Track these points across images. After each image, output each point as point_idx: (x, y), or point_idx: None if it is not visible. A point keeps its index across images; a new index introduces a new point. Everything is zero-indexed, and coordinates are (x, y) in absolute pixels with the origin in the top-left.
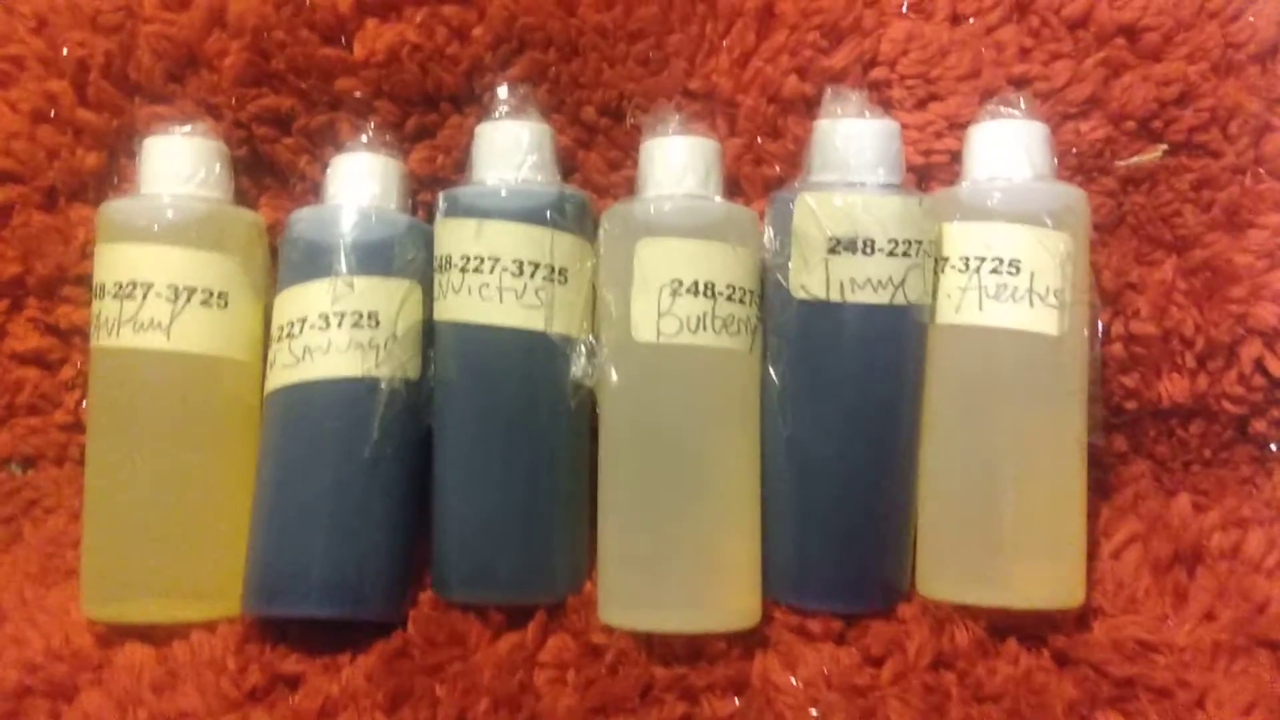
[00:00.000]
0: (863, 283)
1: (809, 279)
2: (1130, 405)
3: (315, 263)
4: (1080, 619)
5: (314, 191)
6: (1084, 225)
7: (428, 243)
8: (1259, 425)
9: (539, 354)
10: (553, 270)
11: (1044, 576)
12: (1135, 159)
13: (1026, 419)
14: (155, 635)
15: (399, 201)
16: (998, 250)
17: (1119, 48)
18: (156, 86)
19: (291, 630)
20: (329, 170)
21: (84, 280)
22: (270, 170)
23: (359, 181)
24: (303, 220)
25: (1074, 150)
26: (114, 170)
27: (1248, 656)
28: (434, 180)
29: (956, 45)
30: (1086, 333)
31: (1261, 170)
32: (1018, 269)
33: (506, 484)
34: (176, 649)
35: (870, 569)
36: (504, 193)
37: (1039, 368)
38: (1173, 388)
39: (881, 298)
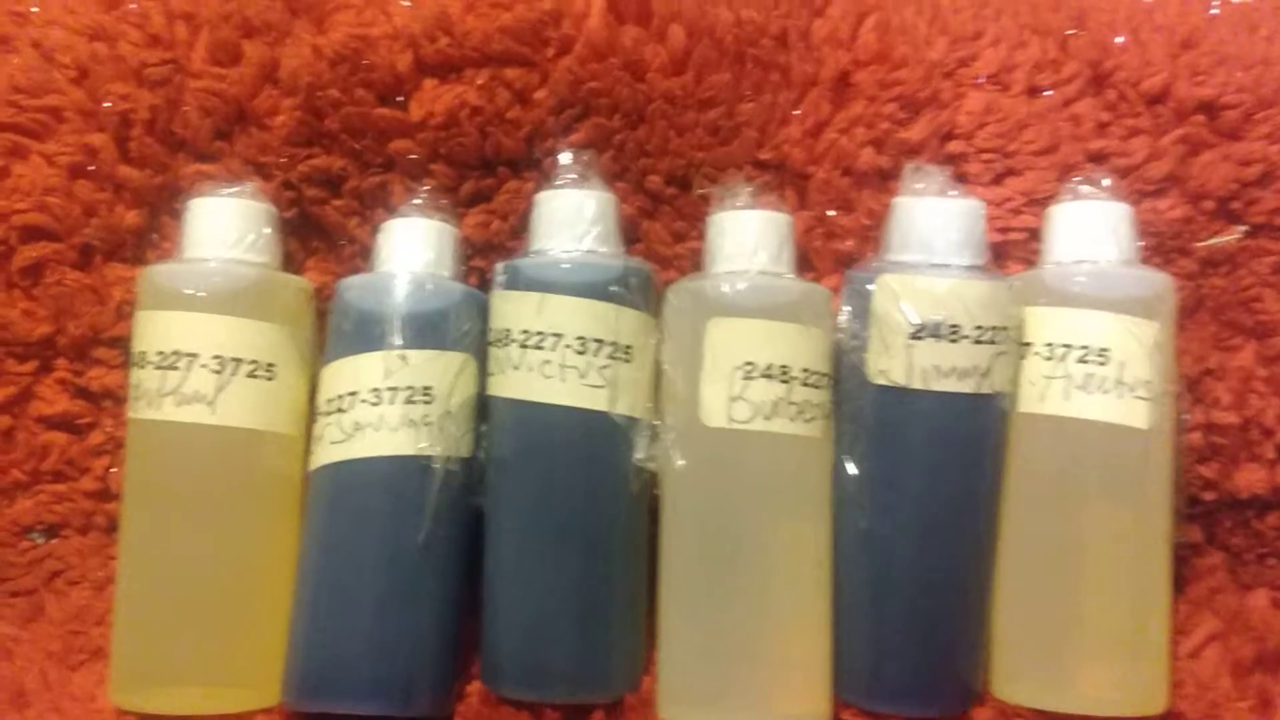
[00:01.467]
0: (947, 370)
1: (890, 364)
2: (1208, 496)
3: (367, 333)
4: None
5: (362, 255)
6: (1171, 313)
7: (482, 312)
8: None
9: (600, 435)
10: (617, 347)
11: (1125, 681)
12: (1214, 240)
13: (1112, 513)
14: None
15: (453, 268)
16: (1086, 338)
17: (1198, 124)
18: (203, 144)
19: None
20: (380, 234)
21: (118, 342)
22: (318, 232)
23: (412, 247)
24: (354, 288)
25: (1152, 229)
26: (154, 229)
27: None
28: (488, 246)
29: (1034, 119)
30: (1171, 425)
31: None
32: (1106, 358)
33: (563, 572)
34: None
35: (946, 670)
36: (567, 265)
37: (1126, 462)
38: (1251, 478)
39: (966, 386)
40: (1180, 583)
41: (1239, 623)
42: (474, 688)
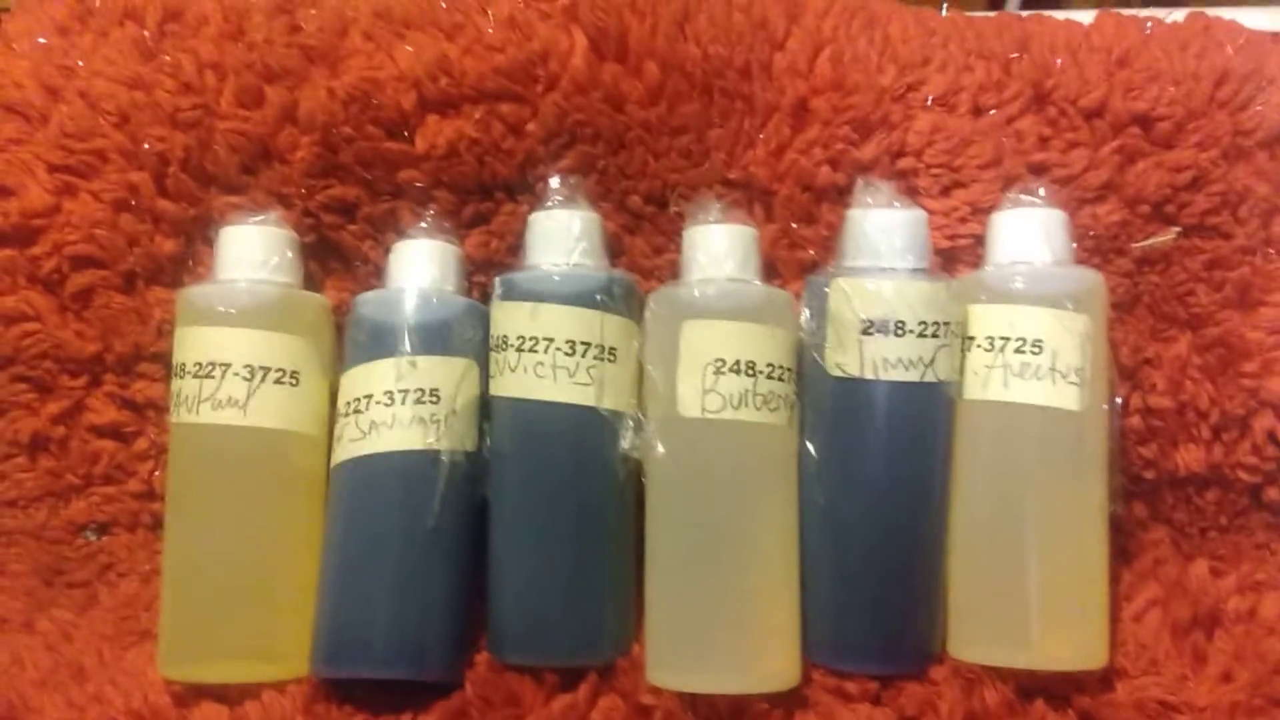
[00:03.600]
0: (894, 362)
1: (844, 358)
2: (1149, 474)
3: (380, 343)
4: (1104, 680)
5: (376, 274)
6: (1102, 306)
7: (484, 322)
8: (1272, 493)
9: (589, 428)
10: (603, 349)
11: (1069, 640)
12: (1150, 241)
13: (1051, 489)
14: (229, 695)
15: (456, 284)
16: (1021, 331)
17: (1133, 136)
18: (231, 178)
19: (357, 691)
20: (391, 255)
21: (159, 358)
22: (336, 254)
23: (420, 265)
24: (368, 303)
25: (1091, 233)
26: (190, 255)
27: (1265, 716)
28: (488, 263)
29: (979, 135)
30: (1106, 407)
31: (1271, 250)
32: (1040, 348)
33: (558, 551)
34: (249, 708)
35: (904, 632)
36: (557, 278)
37: (1061, 441)
38: (1189, 458)
39: (912, 375)
40: (1127, 556)
41: (1179, 589)
42: (482, 658)
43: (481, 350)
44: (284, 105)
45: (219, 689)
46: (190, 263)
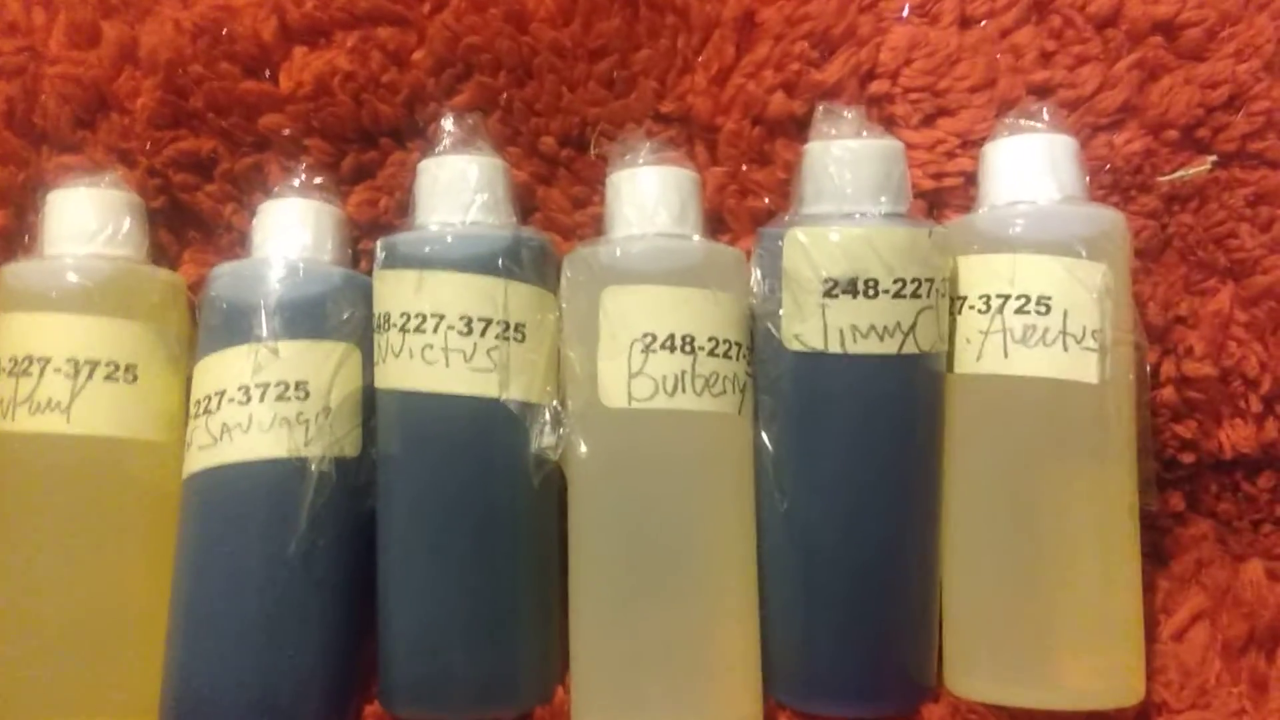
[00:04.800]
0: (866, 330)
1: (804, 328)
2: (1187, 458)
3: (235, 326)
4: (1140, 717)
5: (243, 244)
6: (1124, 253)
7: (368, 299)
8: None
9: (494, 425)
10: (507, 326)
11: (1095, 669)
12: (1180, 173)
13: (1067, 482)
14: None
15: (335, 252)
16: (1024, 286)
17: (1155, 47)
18: (65, 134)
19: None
20: (255, 220)
21: None
22: (194, 222)
23: (288, 231)
24: (222, 277)
25: (1108, 167)
26: (23, 229)
27: None
28: (376, 227)
29: (967, 52)
30: (1133, 378)
31: None
32: (1048, 307)
33: (461, 578)
34: None
35: (888, 664)
36: (449, 238)
37: (1078, 422)
38: (1236, 436)
39: (888, 347)
40: (1163, 556)
41: (1229, 598)
42: (371, 710)
43: (365, 333)
44: (122, 43)
45: None
46: (25, 238)
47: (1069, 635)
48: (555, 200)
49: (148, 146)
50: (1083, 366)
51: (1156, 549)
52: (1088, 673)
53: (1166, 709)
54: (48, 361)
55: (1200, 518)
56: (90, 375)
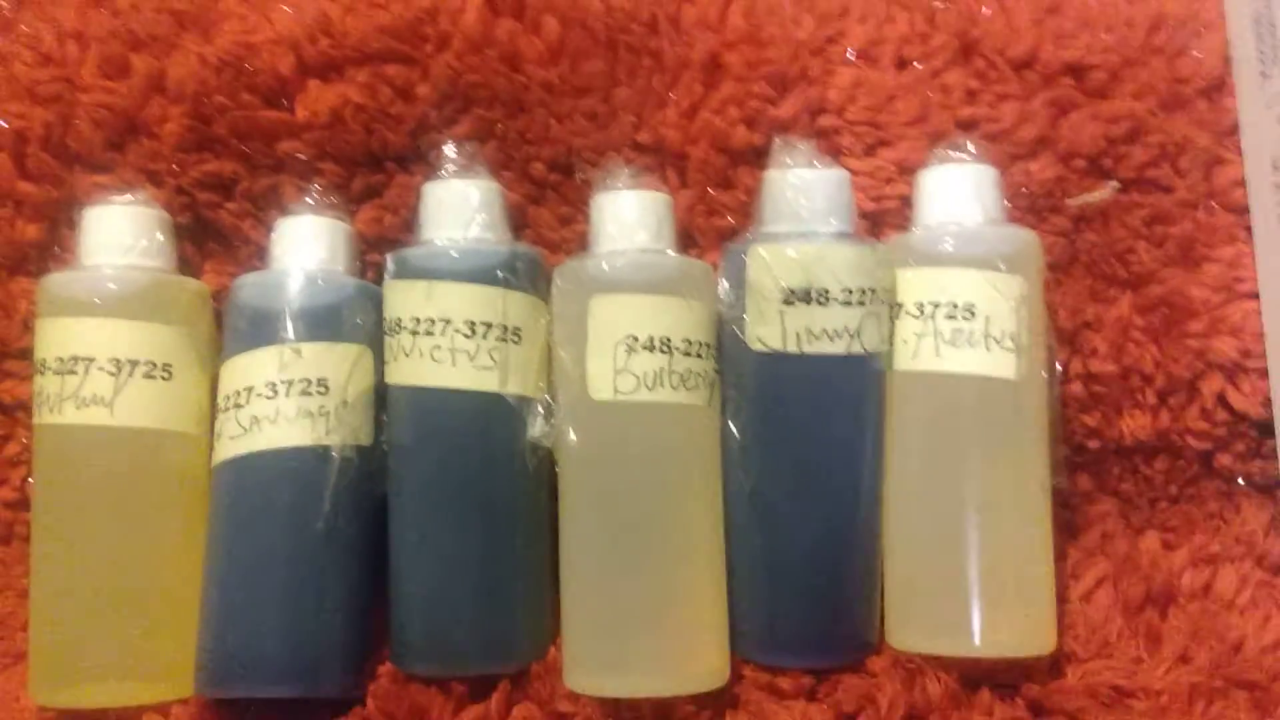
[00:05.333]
0: (819, 333)
1: (765, 331)
2: (1093, 444)
3: (261, 330)
4: (1053, 665)
5: (260, 256)
6: (1037, 267)
7: (377, 305)
8: (1224, 460)
9: (494, 416)
10: (506, 330)
11: (1014, 624)
12: (1086, 197)
13: (988, 464)
14: None
15: (346, 264)
16: (952, 295)
17: (1066, 87)
18: (96, 156)
19: (247, 711)
20: (274, 235)
21: (28, 354)
22: (215, 236)
23: (304, 245)
24: (247, 286)
25: (1025, 190)
26: (55, 241)
27: (1225, 699)
28: (382, 241)
29: (903, 91)
30: (1045, 374)
31: (1214, 204)
32: (973, 314)
33: (464, 550)
34: None
35: (839, 623)
36: (454, 253)
37: (998, 412)
38: (1135, 425)
39: (838, 347)
40: (1073, 530)
41: (1129, 564)
42: (385, 669)
43: (375, 336)
44: (151, 74)
45: (95, 714)
46: (56, 249)
47: (991, 595)
48: (544, 219)
49: (174, 168)
50: (1003, 365)
51: (1068, 524)
52: (1007, 627)
53: (1075, 658)
54: (92, 361)
55: (1105, 496)
56: (131, 373)
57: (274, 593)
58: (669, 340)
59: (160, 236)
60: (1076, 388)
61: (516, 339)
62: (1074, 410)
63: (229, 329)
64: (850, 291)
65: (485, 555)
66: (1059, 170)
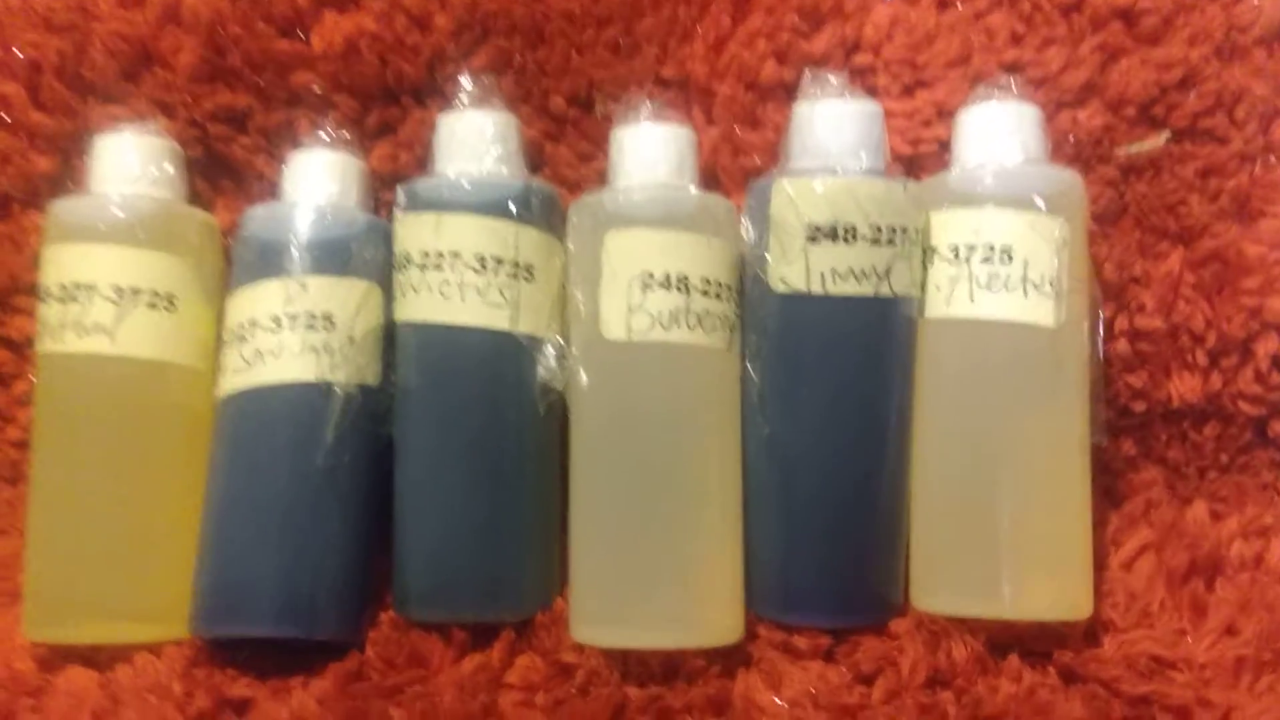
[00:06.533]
0: (845, 273)
1: (788, 270)
2: (1138, 406)
3: (267, 263)
4: (1089, 633)
5: (272, 193)
6: (1080, 210)
7: (388, 243)
8: (1278, 427)
9: (504, 355)
10: (517, 266)
11: (1047, 587)
12: (1137, 146)
13: (1024, 417)
14: (99, 658)
15: (359, 200)
16: (988, 237)
17: (1116, 32)
18: (110, 86)
19: (242, 652)
20: (286, 169)
21: (36, 289)
22: (227, 171)
23: (316, 179)
24: (256, 218)
25: (1071, 138)
26: (68, 175)
27: (1273, 672)
28: (396, 178)
29: (944, 30)
30: (1087, 326)
31: (1271, 157)
32: (1010, 256)
33: (471, 495)
34: (120, 673)
35: (860, 580)
36: (465, 184)
37: (1036, 362)
38: (1183, 387)
39: (865, 289)
40: (1115, 498)
41: (1174, 533)
42: (387, 615)
43: (386, 274)
44: (166, 4)
45: (88, 651)
46: (69, 183)
47: (1023, 555)
48: (563, 156)
49: (188, 99)
50: (1040, 311)
51: (1110, 491)
52: (1039, 589)
53: (1113, 627)
54: (94, 288)
55: (1150, 464)
56: (134, 302)
57: (272, 531)
58: (686, 278)
59: (170, 167)
60: (1122, 346)
61: (529, 276)
62: (1119, 370)
63: (236, 261)
64: (879, 230)
65: (492, 500)
66: (1108, 118)
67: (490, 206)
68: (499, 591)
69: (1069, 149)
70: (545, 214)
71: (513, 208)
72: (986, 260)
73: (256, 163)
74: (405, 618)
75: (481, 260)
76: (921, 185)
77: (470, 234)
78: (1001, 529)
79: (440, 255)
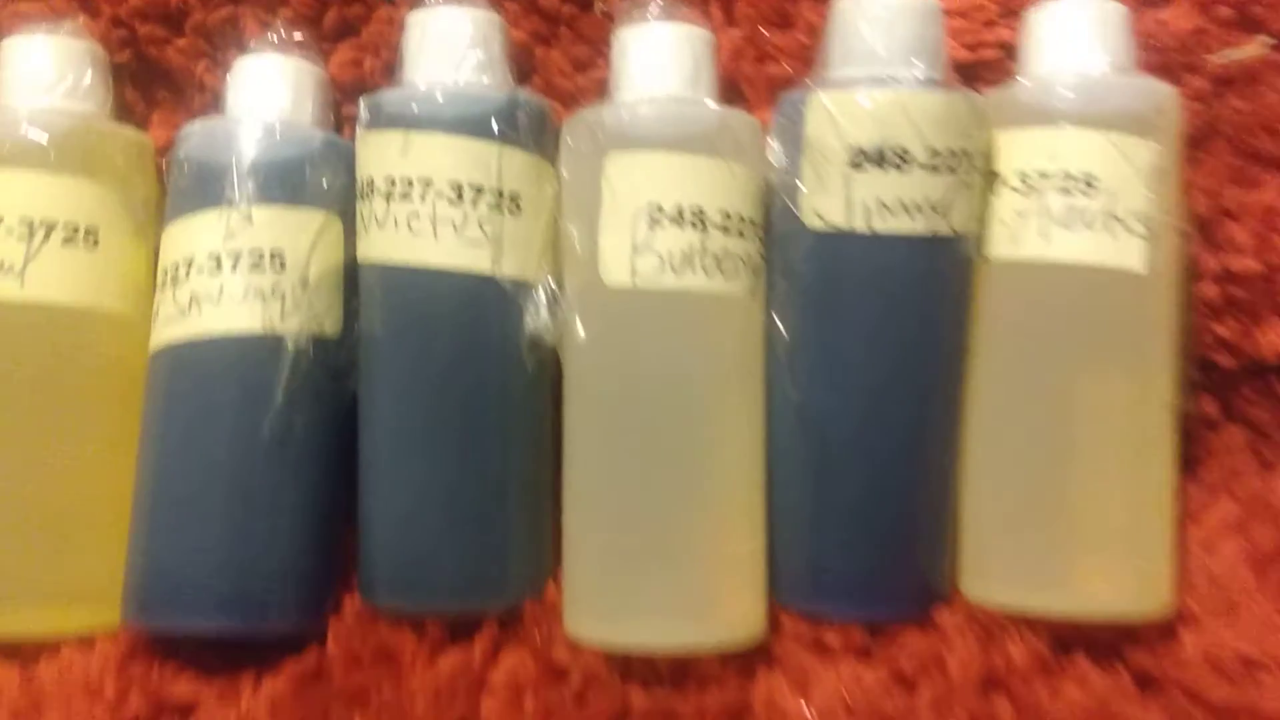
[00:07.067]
0: (894, 206)
1: (825, 203)
2: (1223, 360)
3: (207, 190)
4: (1167, 630)
5: (217, 106)
6: (1174, 131)
7: (351, 166)
8: None
9: (485, 303)
10: (501, 196)
11: (1122, 577)
12: (1232, 53)
13: (1101, 378)
14: (21, 652)
15: (316, 114)
16: (1067, 163)
17: None
18: None
19: (185, 646)
20: (229, 78)
21: None
22: (164, 80)
23: (265, 90)
24: (193, 136)
25: (1155, 44)
26: None
27: None
28: (361, 90)
29: None
30: (1178, 271)
31: None
32: (1093, 187)
33: (448, 465)
34: (44, 670)
35: (901, 566)
36: (439, 96)
37: (1119, 314)
38: (1277, 339)
39: (918, 225)
40: (1191, 463)
41: (1260, 507)
42: (351, 603)
43: (348, 203)
44: None
45: (10, 645)
46: None
47: (1095, 540)
48: (555, 62)
49: None
50: (1129, 253)
51: (1185, 456)
52: (1112, 579)
53: (1193, 621)
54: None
55: (1233, 424)
56: (46, 237)
57: (213, 508)
58: (702, 212)
59: (90, 74)
60: (1209, 289)
61: (514, 209)
62: (1203, 317)
63: (172, 189)
64: (938, 154)
65: (472, 472)
66: (1198, 20)
67: (468, 124)
68: (480, 577)
69: (1153, 57)
70: (534, 132)
71: (495, 125)
72: (1064, 191)
73: (196, 70)
74: (372, 606)
75: (458, 189)
76: (986, 100)
77: (444, 156)
78: (1070, 508)
79: (409, 182)
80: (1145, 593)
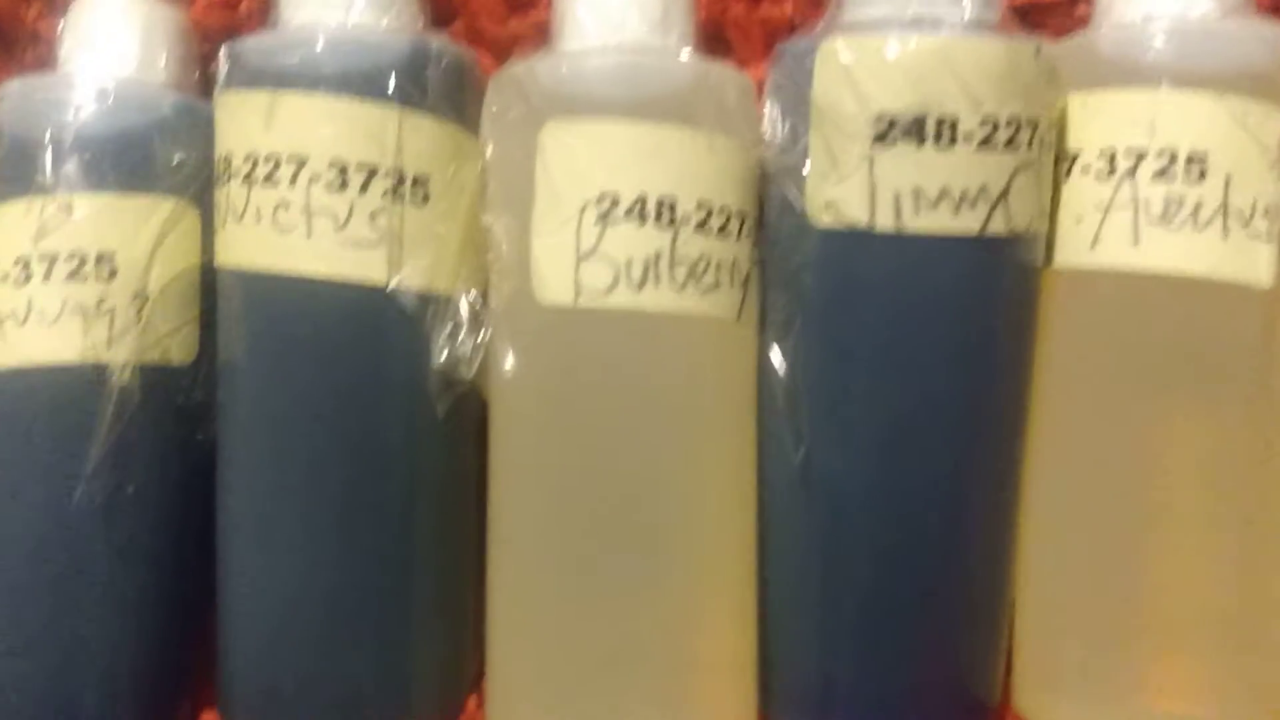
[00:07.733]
0: (935, 196)
1: (841, 191)
2: None
3: (18, 172)
4: None
5: (53, 61)
6: None
7: (213, 138)
8: None
9: (379, 325)
10: (401, 180)
11: (1229, 685)
12: None
13: (1209, 428)
14: None
15: (171, 72)
16: (1167, 138)
17: None
18: None
19: None
20: (63, 24)
21: None
22: None
23: (105, 39)
24: (7, 101)
25: None
26: None
27: None
28: (232, 38)
29: None
30: None
31: None
32: (1203, 171)
33: (329, 544)
34: None
35: (935, 675)
36: (318, 45)
37: (1235, 342)
38: None
39: (967, 223)
40: None
41: None
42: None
43: (206, 187)
44: None
45: None
46: None
47: (1195, 637)
48: (482, 2)
49: None
50: (1250, 261)
51: None
52: (1219, 690)
53: None
54: None
55: None
56: None
57: (19, 601)
58: (673, 203)
59: None
60: None
61: (420, 196)
62: None
63: None
64: (993, 125)
65: (362, 553)
66: None
67: (357, 81)
68: (374, 694)
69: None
70: (450, 92)
71: (394, 83)
72: (1163, 176)
73: (26, 16)
74: None
75: (341, 170)
76: (1055, 51)
77: (323, 126)
78: (1163, 593)
79: (275, 161)
80: (1259, 705)
